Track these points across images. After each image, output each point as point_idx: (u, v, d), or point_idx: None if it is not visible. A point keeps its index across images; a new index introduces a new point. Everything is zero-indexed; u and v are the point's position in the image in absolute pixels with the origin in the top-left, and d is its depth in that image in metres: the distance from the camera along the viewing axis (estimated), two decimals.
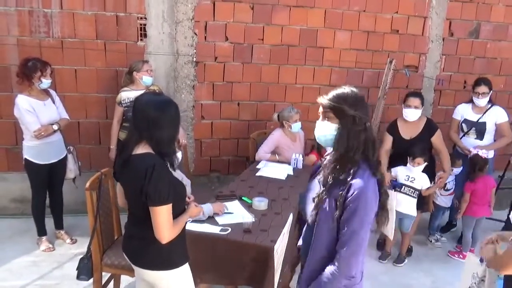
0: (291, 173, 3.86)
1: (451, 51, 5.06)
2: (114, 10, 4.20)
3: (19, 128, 3.79)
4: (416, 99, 3.89)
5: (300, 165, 4.02)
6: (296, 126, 4.14)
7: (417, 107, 3.87)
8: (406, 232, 3.95)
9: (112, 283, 3.07)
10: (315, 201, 1.76)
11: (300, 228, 2.24)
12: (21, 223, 4.25)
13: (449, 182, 4.24)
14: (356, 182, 1.65)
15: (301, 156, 4.08)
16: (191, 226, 2.63)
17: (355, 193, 1.63)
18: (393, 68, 4.57)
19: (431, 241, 4.43)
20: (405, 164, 3.86)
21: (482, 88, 4.12)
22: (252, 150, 4.41)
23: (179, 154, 2.65)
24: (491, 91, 4.17)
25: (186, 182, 3.14)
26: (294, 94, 4.80)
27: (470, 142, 4.26)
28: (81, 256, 2.77)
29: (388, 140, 4.02)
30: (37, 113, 3.59)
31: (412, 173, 3.82)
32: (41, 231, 3.92)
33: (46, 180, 3.83)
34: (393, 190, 3.79)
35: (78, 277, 2.73)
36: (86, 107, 4.37)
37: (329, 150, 1.83)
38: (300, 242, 2.08)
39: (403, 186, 3.82)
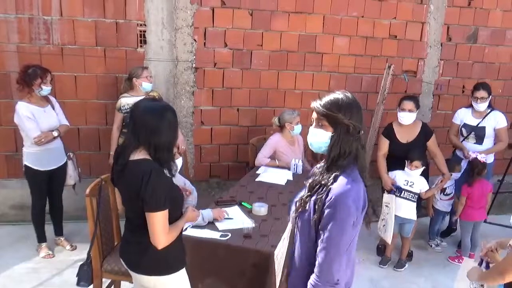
0: (291, 178, 3.86)
1: (449, 56, 5.09)
2: (114, 17, 4.23)
3: (18, 135, 3.79)
4: (410, 102, 3.92)
5: (299, 170, 4.02)
6: (298, 128, 4.17)
7: (411, 110, 3.90)
8: (407, 237, 3.95)
9: None
10: (297, 204, 1.75)
11: None
12: (20, 230, 4.25)
13: (448, 186, 4.25)
14: (335, 187, 1.61)
15: (300, 161, 4.09)
16: (191, 232, 2.63)
17: (332, 198, 1.59)
18: (391, 73, 4.59)
19: (431, 246, 4.43)
20: (402, 168, 3.87)
21: (481, 93, 4.14)
22: (252, 156, 4.42)
23: (179, 160, 2.66)
24: (490, 96, 4.18)
25: (191, 189, 3.15)
26: (293, 99, 4.81)
27: (469, 147, 4.26)
28: (81, 263, 2.76)
29: (385, 144, 4.04)
30: (37, 120, 3.60)
31: (411, 178, 3.83)
32: (41, 238, 3.92)
33: (46, 187, 3.83)
34: (393, 194, 3.81)
35: (78, 284, 2.71)
36: (86, 114, 4.38)
37: None
38: None
39: (403, 191, 3.83)
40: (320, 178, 1.70)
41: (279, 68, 4.70)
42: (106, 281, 2.94)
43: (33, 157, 3.68)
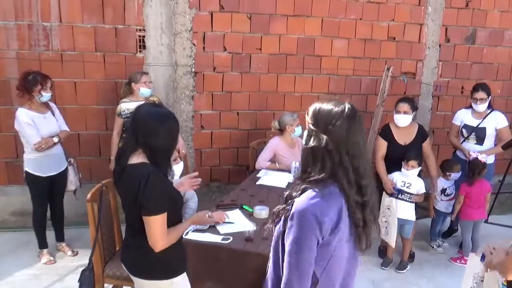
0: (292, 181, 3.86)
1: (448, 57, 5.10)
2: (113, 23, 4.24)
3: (19, 141, 3.80)
4: (405, 104, 3.93)
5: None
6: (299, 130, 4.17)
7: (406, 112, 3.91)
8: (407, 238, 3.95)
9: None
10: (271, 217, 1.69)
11: None
12: (21, 236, 4.24)
13: (448, 187, 4.25)
14: (297, 201, 1.50)
15: None
16: (193, 236, 2.63)
17: (292, 211, 1.51)
18: (390, 75, 4.60)
19: (433, 247, 4.43)
20: (399, 170, 3.89)
21: (480, 94, 4.14)
22: (252, 159, 4.42)
23: (180, 165, 2.66)
24: (490, 97, 4.19)
25: (192, 193, 3.15)
26: (292, 102, 4.82)
27: (470, 147, 4.26)
28: (82, 268, 2.75)
29: (383, 145, 4.04)
30: (37, 126, 3.60)
31: (408, 179, 3.84)
32: (42, 244, 3.91)
33: (47, 193, 3.83)
34: (394, 197, 3.81)
35: None
36: (86, 119, 4.38)
37: None
38: None
39: (400, 192, 3.84)
40: (291, 190, 1.60)
41: (278, 72, 4.71)
42: (108, 286, 2.94)
43: (34, 163, 3.68)
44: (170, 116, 2.04)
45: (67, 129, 3.89)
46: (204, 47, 4.48)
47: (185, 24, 4.39)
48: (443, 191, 4.26)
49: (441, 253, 4.35)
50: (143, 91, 4.00)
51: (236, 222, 2.88)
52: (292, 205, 1.52)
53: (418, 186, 3.85)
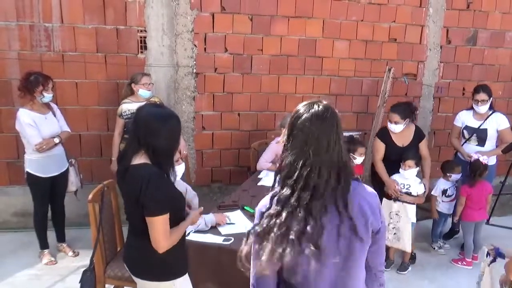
0: None
1: (449, 59, 5.10)
2: (114, 23, 4.24)
3: (20, 142, 3.80)
4: (394, 115, 3.91)
5: None
6: None
7: (397, 122, 3.92)
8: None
9: None
10: None
11: None
12: (23, 237, 4.24)
13: (449, 188, 4.24)
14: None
15: None
16: (194, 237, 2.64)
17: None
18: (392, 76, 4.60)
19: (434, 248, 4.42)
20: (394, 170, 3.90)
21: (482, 96, 4.14)
22: (253, 160, 4.42)
23: (182, 166, 2.66)
24: (491, 98, 4.19)
25: (193, 194, 3.14)
26: (294, 103, 4.72)
27: (471, 149, 4.26)
28: (84, 269, 2.76)
29: (381, 148, 4.04)
30: (39, 127, 3.60)
31: (407, 180, 3.84)
32: (43, 245, 3.91)
33: (48, 193, 3.83)
34: (397, 200, 3.79)
35: None
36: (87, 120, 4.39)
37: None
38: None
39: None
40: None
41: (279, 73, 4.71)
42: (109, 287, 2.94)
43: (35, 163, 3.68)
44: (172, 116, 2.04)
45: (68, 130, 3.90)
46: (205, 48, 4.48)
47: (187, 25, 4.39)
48: (444, 192, 4.26)
49: (442, 254, 4.34)
50: (142, 92, 4.00)
51: (238, 223, 2.89)
52: None
53: (417, 188, 3.85)
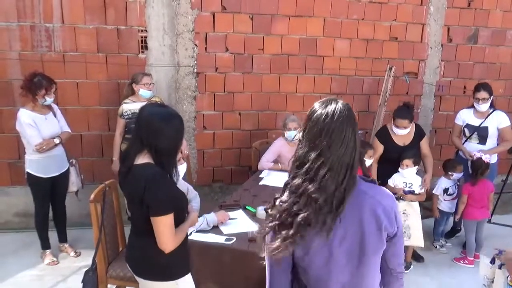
0: None
1: (450, 57, 5.09)
2: (115, 23, 4.24)
3: (21, 142, 3.80)
4: (404, 121, 3.91)
5: None
6: (290, 134, 4.10)
7: (406, 127, 3.93)
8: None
9: None
10: None
11: None
12: (24, 237, 4.24)
13: (451, 186, 4.24)
14: None
15: None
16: (196, 236, 2.63)
17: None
18: (393, 75, 4.59)
19: (436, 247, 4.42)
20: (396, 170, 3.91)
21: (482, 94, 4.14)
22: (255, 160, 4.42)
23: (184, 166, 2.66)
24: (492, 96, 4.18)
25: (194, 194, 3.15)
26: (295, 102, 4.82)
27: (472, 147, 4.26)
28: (86, 269, 2.76)
29: (379, 148, 4.04)
30: (39, 127, 3.60)
31: (408, 179, 3.84)
32: (45, 245, 3.91)
33: (49, 194, 3.83)
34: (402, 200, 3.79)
35: None
36: (88, 120, 4.39)
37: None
38: None
39: (405, 193, 3.84)
40: None
41: (280, 72, 4.71)
42: (111, 287, 2.94)
43: (35, 164, 3.68)
44: (175, 116, 2.04)
45: (69, 130, 3.89)
46: (206, 48, 4.48)
47: (187, 24, 4.39)
48: (445, 190, 4.26)
49: (444, 253, 4.35)
50: (142, 92, 4.00)
51: (240, 222, 2.89)
52: None
53: (417, 185, 3.85)
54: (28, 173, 3.71)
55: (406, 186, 3.85)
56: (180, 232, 2.05)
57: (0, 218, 4.44)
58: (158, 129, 1.94)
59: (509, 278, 2.21)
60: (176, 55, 4.44)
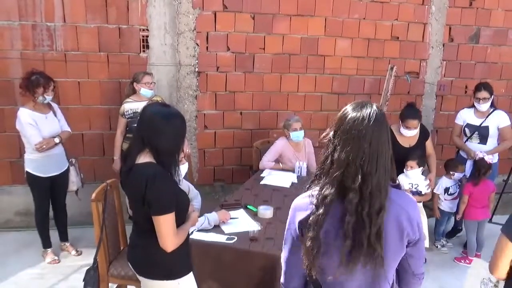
0: (296, 181, 3.86)
1: (452, 57, 5.09)
2: (117, 23, 4.24)
3: (22, 141, 3.80)
4: (415, 121, 3.90)
5: (304, 173, 4.02)
6: (295, 135, 4.10)
7: (415, 128, 3.92)
8: None
9: None
10: None
11: None
12: (26, 236, 4.24)
13: (451, 186, 4.24)
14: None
15: (304, 163, 4.08)
16: (197, 236, 2.64)
17: None
18: (394, 75, 4.59)
19: (437, 247, 4.41)
20: (402, 172, 3.89)
21: (483, 94, 4.13)
22: (256, 159, 4.42)
23: (185, 165, 2.66)
24: (492, 96, 4.18)
25: (195, 193, 3.15)
26: (296, 102, 4.82)
27: (473, 147, 4.26)
28: (87, 268, 2.76)
29: None
30: (39, 126, 3.59)
31: (414, 180, 3.84)
32: (46, 244, 3.92)
33: (49, 193, 3.82)
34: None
35: None
36: (89, 119, 4.39)
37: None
38: None
39: (413, 194, 3.83)
40: None
41: (281, 71, 4.71)
42: (112, 286, 2.94)
43: (35, 163, 3.67)
44: (177, 115, 2.03)
45: (69, 130, 3.89)
46: (207, 47, 4.48)
47: (189, 24, 4.39)
48: (446, 190, 4.25)
49: (445, 253, 4.34)
50: (143, 91, 4.00)
51: (241, 221, 2.89)
52: None
53: (423, 186, 3.84)
54: (27, 172, 3.70)
55: (412, 187, 3.84)
56: (181, 231, 2.05)
57: (1, 217, 4.45)
58: (159, 128, 1.95)
59: None
60: (178, 54, 4.44)
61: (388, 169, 1.43)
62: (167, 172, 1.99)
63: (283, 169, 4.11)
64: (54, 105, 3.83)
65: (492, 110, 4.24)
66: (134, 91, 4.06)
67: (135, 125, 2.14)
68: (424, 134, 4.06)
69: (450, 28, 4.99)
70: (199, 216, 2.61)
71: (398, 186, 1.54)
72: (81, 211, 4.15)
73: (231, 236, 2.67)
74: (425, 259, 4.08)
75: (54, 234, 3.99)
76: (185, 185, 3.08)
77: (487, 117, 4.22)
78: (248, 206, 3.16)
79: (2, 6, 4.01)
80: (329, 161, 1.44)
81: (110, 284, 2.88)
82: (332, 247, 1.41)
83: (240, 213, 3.04)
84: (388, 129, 1.45)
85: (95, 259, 2.75)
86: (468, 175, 4.22)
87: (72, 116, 4.14)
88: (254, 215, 3.02)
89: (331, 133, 1.46)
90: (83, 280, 2.70)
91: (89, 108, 4.37)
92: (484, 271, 2.31)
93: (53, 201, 3.91)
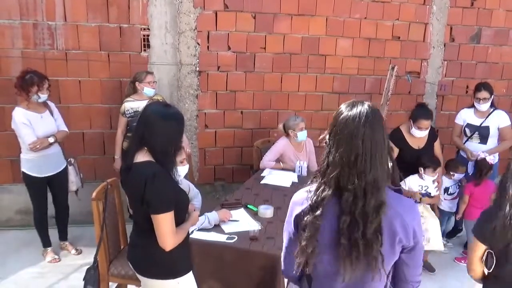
0: (296, 180, 3.86)
1: (453, 57, 5.08)
2: (118, 22, 4.24)
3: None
4: (428, 121, 3.89)
5: (304, 172, 4.02)
6: (302, 135, 4.11)
7: (427, 129, 3.91)
8: None
9: None
10: None
11: None
12: (26, 235, 4.24)
13: (451, 186, 4.23)
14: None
15: (305, 163, 4.08)
16: (198, 235, 2.64)
17: None
18: (395, 75, 4.58)
19: None
20: (411, 173, 3.88)
21: (483, 94, 4.13)
22: (256, 158, 4.42)
23: (186, 167, 2.66)
24: (492, 96, 4.17)
25: (196, 192, 3.15)
26: (297, 102, 4.81)
27: (473, 147, 4.26)
28: (87, 267, 2.77)
29: (395, 151, 3.99)
30: (33, 126, 3.55)
31: (425, 182, 3.83)
32: (46, 243, 3.91)
33: (46, 193, 3.79)
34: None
35: None
36: (90, 118, 4.39)
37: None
38: None
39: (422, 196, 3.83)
40: None
41: (282, 71, 4.70)
42: (112, 285, 2.94)
43: (30, 163, 3.64)
44: (175, 115, 2.03)
45: (66, 130, 3.83)
46: (208, 46, 4.48)
47: (190, 23, 4.39)
48: (446, 190, 4.25)
49: (445, 253, 4.33)
50: (147, 91, 3.99)
51: (241, 221, 2.89)
52: None
53: (433, 188, 3.84)
54: (23, 172, 3.68)
55: (422, 189, 3.83)
56: (181, 230, 2.05)
57: (1, 215, 4.45)
58: (155, 128, 1.95)
59: None
60: (178, 54, 4.44)
61: (386, 167, 1.42)
62: (166, 171, 1.99)
63: (283, 169, 4.11)
64: (51, 104, 3.79)
65: (492, 110, 4.23)
66: (134, 90, 4.06)
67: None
68: (433, 135, 4.04)
69: (451, 28, 4.99)
70: (199, 216, 2.61)
71: (399, 191, 1.53)
72: (82, 210, 4.15)
73: (232, 236, 2.67)
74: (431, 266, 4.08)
75: (54, 233, 3.99)
76: (185, 184, 3.08)
77: (487, 117, 4.22)
78: (248, 206, 3.16)
79: (3, 4, 4.01)
80: (325, 162, 1.44)
81: (110, 283, 2.88)
82: (328, 246, 1.42)
83: (241, 212, 3.04)
84: (383, 127, 1.43)
85: (95, 258, 2.75)
86: (470, 174, 4.22)
87: (73, 115, 4.14)
88: (255, 215, 3.02)
89: (327, 135, 1.47)
90: (83, 279, 2.71)
91: (89, 107, 4.37)
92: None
93: (54, 201, 3.89)
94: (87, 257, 3.80)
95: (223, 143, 4.78)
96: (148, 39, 4.34)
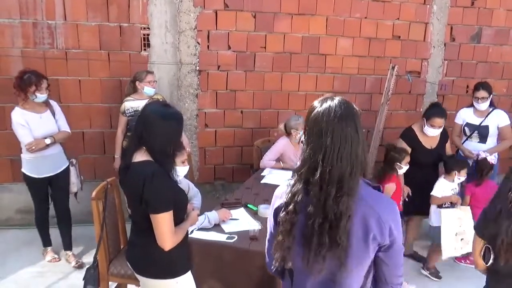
0: None
1: (453, 56, 5.08)
2: (118, 21, 4.24)
3: None
4: (442, 119, 3.87)
5: None
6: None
7: (441, 128, 3.89)
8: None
9: None
10: None
11: None
12: (26, 234, 4.24)
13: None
14: None
15: None
16: (198, 234, 2.63)
17: None
18: (395, 74, 4.58)
19: None
20: (424, 173, 3.88)
21: (482, 93, 4.13)
22: (256, 158, 4.41)
23: (186, 168, 2.66)
24: (491, 95, 4.17)
25: (196, 191, 3.15)
26: (297, 101, 4.81)
27: (473, 146, 4.26)
28: (87, 266, 2.77)
29: (408, 151, 3.95)
30: (31, 126, 3.50)
31: (454, 184, 3.81)
32: (46, 242, 3.90)
33: (46, 194, 3.74)
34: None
35: (84, 287, 2.72)
36: (90, 117, 4.39)
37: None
38: None
39: None
40: None
41: (282, 70, 4.70)
42: (112, 284, 2.95)
43: (30, 164, 3.60)
44: (173, 115, 2.03)
45: (67, 130, 3.75)
46: (208, 46, 4.47)
47: (190, 22, 4.38)
48: None
49: None
50: (147, 90, 3.99)
51: (241, 220, 2.89)
52: None
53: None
54: (23, 173, 3.66)
55: (455, 193, 3.82)
56: (180, 230, 2.05)
57: (2, 214, 4.45)
58: (153, 128, 1.95)
59: None
60: (178, 53, 4.44)
61: (356, 160, 1.39)
62: (165, 171, 1.99)
63: (283, 168, 4.10)
64: (54, 104, 3.74)
65: (491, 109, 4.23)
66: (134, 90, 4.05)
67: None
68: (444, 136, 4.02)
69: (451, 28, 4.98)
70: (199, 215, 2.61)
71: (378, 188, 1.53)
72: (82, 210, 4.14)
73: (231, 235, 2.66)
74: (425, 259, 4.08)
75: (54, 233, 3.97)
76: (185, 184, 3.08)
77: (486, 116, 4.22)
78: (248, 205, 3.16)
79: (3, 4, 4.01)
80: (301, 159, 1.47)
81: (110, 283, 2.88)
82: (300, 240, 1.43)
83: (241, 212, 3.04)
84: (355, 120, 1.42)
85: (95, 257, 2.75)
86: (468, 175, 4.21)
87: (73, 114, 4.13)
88: (255, 214, 3.02)
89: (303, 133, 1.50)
90: (83, 279, 2.71)
91: (89, 106, 4.36)
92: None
93: (54, 202, 3.82)
94: (87, 257, 3.82)
95: (223, 142, 4.77)
96: (148, 38, 4.34)
